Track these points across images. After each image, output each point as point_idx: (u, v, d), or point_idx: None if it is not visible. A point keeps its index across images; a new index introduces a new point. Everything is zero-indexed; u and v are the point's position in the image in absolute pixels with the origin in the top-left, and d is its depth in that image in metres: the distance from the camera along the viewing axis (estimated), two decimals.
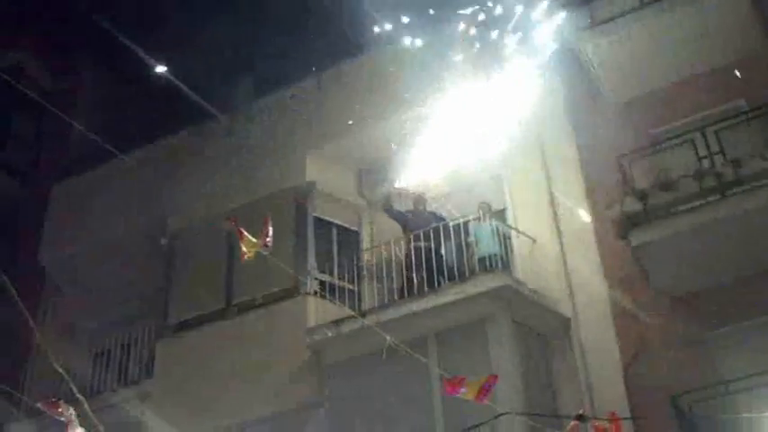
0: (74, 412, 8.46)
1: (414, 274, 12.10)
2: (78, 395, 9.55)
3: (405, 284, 12.13)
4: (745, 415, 9.66)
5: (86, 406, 9.97)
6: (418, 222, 12.50)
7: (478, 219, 12.33)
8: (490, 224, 12.12)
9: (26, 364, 14.62)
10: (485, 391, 7.98)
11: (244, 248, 7.79)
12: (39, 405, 8.60)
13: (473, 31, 12.46)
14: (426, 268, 12.02)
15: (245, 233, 7.81)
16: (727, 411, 9.87)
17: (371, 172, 13.70)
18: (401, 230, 12.74)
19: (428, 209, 12.90)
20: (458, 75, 12.52)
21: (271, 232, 7.90)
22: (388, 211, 12.96)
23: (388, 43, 13.39)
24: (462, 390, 8.01)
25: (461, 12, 12.65)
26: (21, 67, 16.93)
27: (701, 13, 11.86)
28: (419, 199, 12.89)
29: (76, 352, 14.43)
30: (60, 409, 8.48)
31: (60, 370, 9.59)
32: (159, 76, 12.82)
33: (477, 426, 9.34)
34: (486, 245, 11.98)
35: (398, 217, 12.88)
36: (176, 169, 14.67)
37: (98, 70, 18.20)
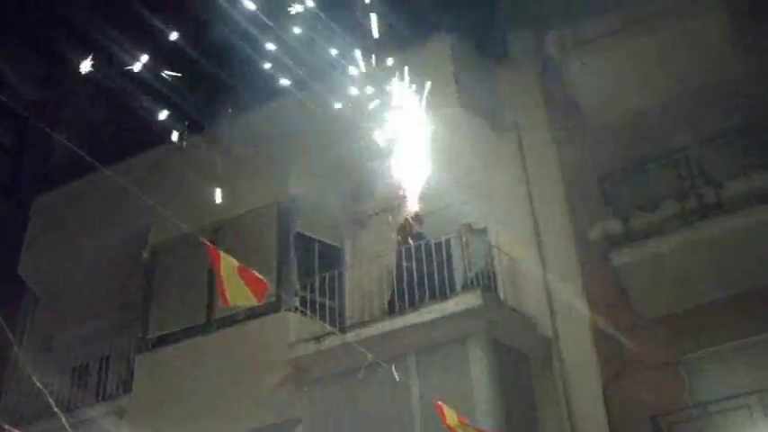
0: None
1: (395, 292, 12.09)
2: (56, 409, 9.49)
3: (386, 302, 12.12)
4: None
5: (64, 420, 9.91)
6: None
7: (460, 236, 12.33)
8: (475, 242, 12.13)
9: (3, 376, 14.50)
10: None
11: (222, 272, 7.45)
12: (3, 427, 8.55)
13: None
14: (408, 286, 12.00)
15: (223, 256, 7.48)
16: None
17: (355, 188, 13.67)
18: (384, 247, 12.72)
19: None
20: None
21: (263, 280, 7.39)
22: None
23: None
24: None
25: None
26: (1, 78, 16.84)
27: (683, 35, 11.96)
28: (416, 218, 12.79)
29: (55, 366, 14.35)
30: None
31: (38, 384, 9.53)
32: (142, 87, 12.79)
33: None
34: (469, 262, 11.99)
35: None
36: (158, 182, 14.60)
37: (81, 82, 18.13)
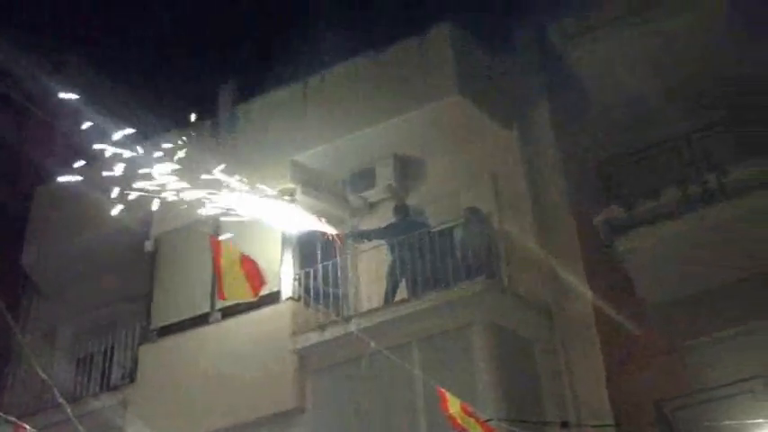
0: None
1: (397, 280, 12.10)
2: (61, 400, 9.50)
3: (388, 290, 12.12)
4: (727, 422, 9.69)
5: (69, 411, 9.93)
6: (403, 231, 12.43)
7: (464, 224, 12.34)
8: (480, 228, 12.14)
9: (7, 368, 14.51)
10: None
11: (223, 264, 7.39)
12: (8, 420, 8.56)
13: None
14: (411, 274, 12.00)
15: (225, 246, 7.45)
16: (709, 418, 9.91)
17: (357, 178, 13.65)
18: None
19: (411, 216, 12.86)
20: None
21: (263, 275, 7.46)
22: (351, 236, 12.88)
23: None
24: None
25: None
26: (2, 68, 16.81)
27: (685, 21, 11.91)
28: (399, 208, 12.85)
29: (58, 356, 14.38)
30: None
31: (43, 375, 9.55)
32: (143, 77, 12.78)
33: None
34: (472, 250, 12.00)
35: (366, 236, 12.81)
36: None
37: (82, 71, 18.10)
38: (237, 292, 7.42)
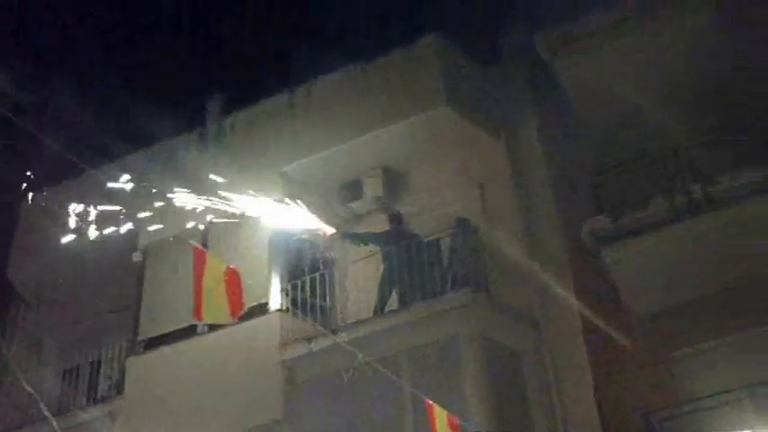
0: None
1: (386, 291, 12.09)
2: (47, 413, 9.46)
3: (377, 301, 12.11)
4: None
5: (55, 424, 9.89)
6: (396, 240, 12.45)
7: (454, 235, 12.35)
8: (469, 239, 12.16)
9: None
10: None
11: (206, 280, 7.14)
12: None
13: None
14: (399, 285, 12.00)
15: (210, 259, 7.29)
16: (697, 429, 9.94)
17: (345, 188, 13.66)
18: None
19: (405, 226, 12.88)
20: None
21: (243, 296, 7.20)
22: (347, 236, 12.90)
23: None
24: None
25: None
26: None
27: (670, 32, 11.97)
28: (394, 217, 12.87)
29: (45, 369, 14.30)
30: None
31: (28, 388, 9.50)
32: (131, 90, 12.77)
33: None
34: (460, 262, 12.01)
35: (360, 238, 12.83)
36: (148, 184, 14.53)
37: (70, 83, 18.09)
38: (216, 314, 7.24)
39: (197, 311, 7.15)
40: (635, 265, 10.92)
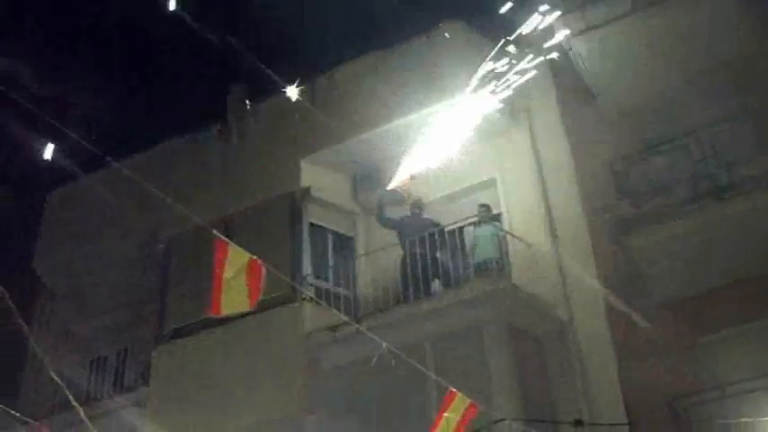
0: None
1: (410, 280, 12.11)
2: (74, 403, 9.54)
3: (401, 290, 12.13)
4: (741, 419, 9.68)
5: (82, 413, 9.97)
6: (415, 228, 12.49)
7: (477, 222, 12.36)
8: (492, 226, 12.16)
9: (22, 372, 14.60)
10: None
11: (227, 271, 7.08)
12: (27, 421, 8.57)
13: None
14: (422, 273, 12.02)
15: (233, 249, 7.22)
16: (723, 415, 9.91)
17: (366, 178, 13.67)
18: (396, 236, 12.75)
19: (424, 214, 12.90)
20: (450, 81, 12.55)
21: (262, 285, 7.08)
22: (379, 218, 12.98)
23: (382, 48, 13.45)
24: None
25: None
26: (12, 75, 16.90)
27: (691, 15, 11.86)
28: (416, 203, 12.90)
29: (72, 359, 14.44)
30: None
31: (56, 378, 9.59)
32: (153, 82, 12.82)
33: None
34: (484, 249, 12.01)
35: (391, 224, 12.89)
36: (171, 175, 14.63)
37: (91, 78, 18.20)
38: (235, 304, 7.20)
39: (214, 305, 7.11)
40: (659, 252, 10.87)
